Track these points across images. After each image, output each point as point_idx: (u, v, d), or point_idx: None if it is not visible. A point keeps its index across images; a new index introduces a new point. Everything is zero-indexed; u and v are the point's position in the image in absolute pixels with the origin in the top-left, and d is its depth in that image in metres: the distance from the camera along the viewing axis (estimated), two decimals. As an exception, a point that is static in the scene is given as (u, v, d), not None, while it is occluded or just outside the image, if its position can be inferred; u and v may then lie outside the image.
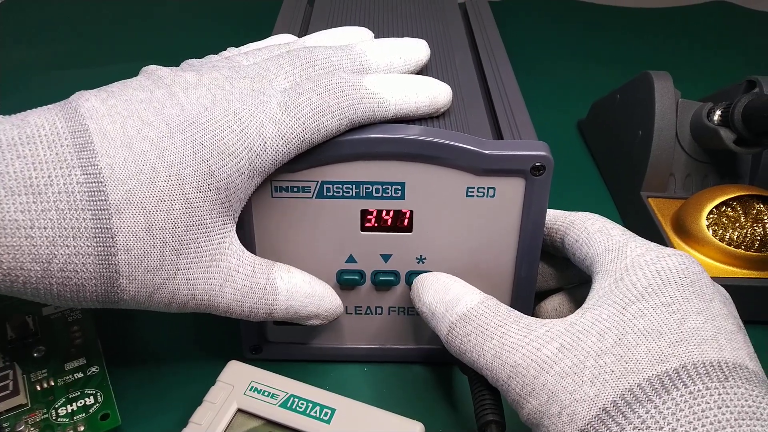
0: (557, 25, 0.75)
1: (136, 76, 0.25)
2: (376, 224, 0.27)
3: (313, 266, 0.28)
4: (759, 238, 0.34)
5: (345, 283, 0.29)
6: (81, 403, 0.28)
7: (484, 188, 0.26)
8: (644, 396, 0.20)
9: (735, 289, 0.33)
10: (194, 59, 0.27)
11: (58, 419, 0.27)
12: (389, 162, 0.26)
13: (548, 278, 0.31)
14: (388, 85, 0.26)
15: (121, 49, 0.65)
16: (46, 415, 0.27)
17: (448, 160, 0.25)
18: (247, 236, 0.27)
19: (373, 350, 0.32)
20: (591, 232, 0.27)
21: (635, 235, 0.26)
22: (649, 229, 0.38)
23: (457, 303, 0.25)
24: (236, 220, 0.25)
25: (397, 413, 0.26)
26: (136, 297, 0.23)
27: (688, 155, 0.40)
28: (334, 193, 0.27)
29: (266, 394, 0.26)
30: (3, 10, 0.71)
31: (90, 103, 0.22)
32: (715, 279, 0.33)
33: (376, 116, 0.25)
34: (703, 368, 0.20)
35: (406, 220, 0.27)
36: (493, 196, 0.26)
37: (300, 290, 0.27)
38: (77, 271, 0.21)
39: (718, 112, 0.38)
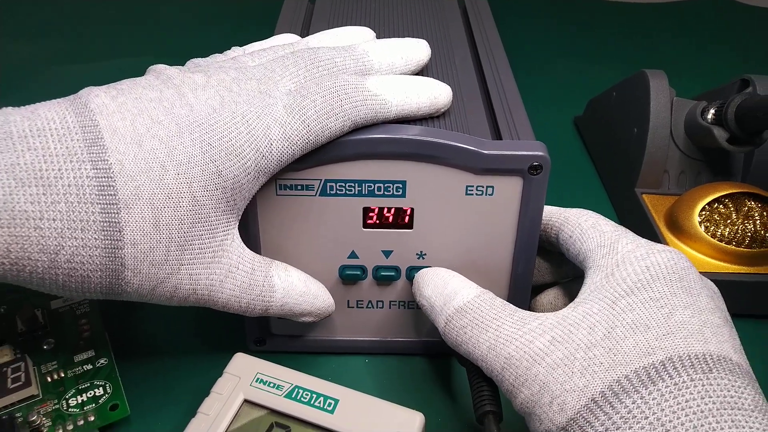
0: (556, 22, 0.75)
1: (138, 72, 0.25)
2: (377, 221, 0.28)
3: (316, 262, 0.29)
4: (749, 234, 0.35)
5: (347, 278, 0.30)
6: (91, 393, 0.28)
7: (482, 187, 0.27)
8: (631, 387, 0.20)
9: (726, 284, 0.34)
10: (200, 59, 0.28)
11: (69, 409, 0.28)
12: (391, 161, 0.26)
13: (544, 273, 0.32)
14: (391, 87, 0.26)
15: (121, 46, 0.65)
16: (57, 406, 0.28)
17: (448, 160, 0.26)
18: (252, 233, 0.28)
19: (374, 342, 0.32)
20: (584, 228, 0.27)
21: (628, 231, 0.27)
22: (642, 225, 0.39)
23: (454, 296, 0.26)
24: (239, 218, 0.26)
25: (398, 404, 0.27)
26: (140, 290, 0.23)
27: (682, 153, 0.41)
28: (337, 191, 0.27)
29: (272, 385, 0.27)
30: (3, 7, 0.71)
31: (100, 99, 0.22)
32: (706, 274, 0.34)
33: (379, 117, 0.26)
34: (689, 360, 0.21)
35: (406, 218, 0.28)
36: (491, 194, 0.27)
37: (296, 288, 0.28)
38: (84, 262, 0.21)
39: (712, 111, 0.38)
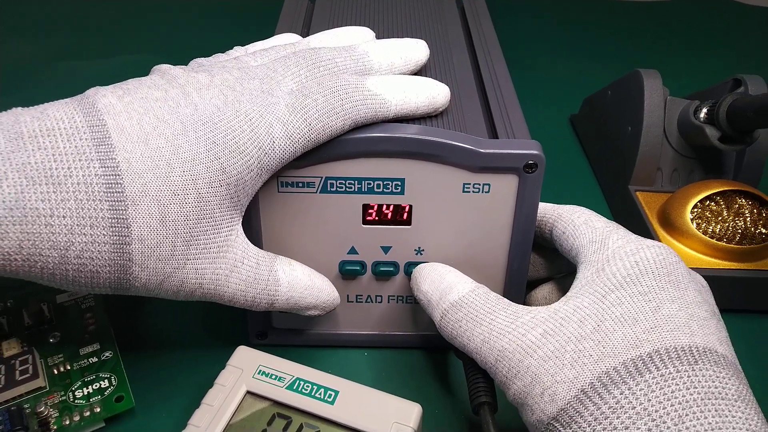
0: (554, 21, 0.76)
1: (139, 68, 0.26)
2: (376, 218, 0.29)
3: (316, 257, 0.30)
4: (740, 231, 0.36)
5: (347, 273, 0.30)
6: (96, 386, 0.29)
7: (479, 184, 0.27)
8: (619, 378, 0.21)
9: (716, 280, 0.35)
10: (202, 58, 0.28)
11: (76, 401, 0.28)
12: (390, 159, 0.27)
13: (539, 268, 0.32)
14: (390, 87, 0.27)
15: (123, 43, 0.65)
16: (64, 397, 0.28)
17: (445, 158, 0.27)
18: (254, 229, 0.29)
19: (373, 336, 0.33)
20: (577, 224, 0.28)
21: (619, 227, 0.27)
22: (636, 222, 0.39)
23: (450, 291, 0.27)
24: (243, 214, 0.26)
25: (397, 395, 0.27)
26: (147, 284, 0.24)
27: (675, 151, 0.42)
28: (338, 189, 0.28)
29: (273, 377, 0.27)
30: (5, 4, 0.71)
31: (107, 99, 0.23)
32: (697, 270, 0.34)
33: (379, 116, 0.26)
34: (675, 352, 0.21)
35: (405, 214, 0.28)
36: (488, 191, 0.28)
37: (300, 282, 0.28)
38: (93, 258, 0.22)
39: (704, 110, 0.39)
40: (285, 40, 0.31)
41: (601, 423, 0.21)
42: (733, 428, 0.19)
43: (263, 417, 0.26)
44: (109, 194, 0.22)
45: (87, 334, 0.31)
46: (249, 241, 0.27)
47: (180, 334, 0.34)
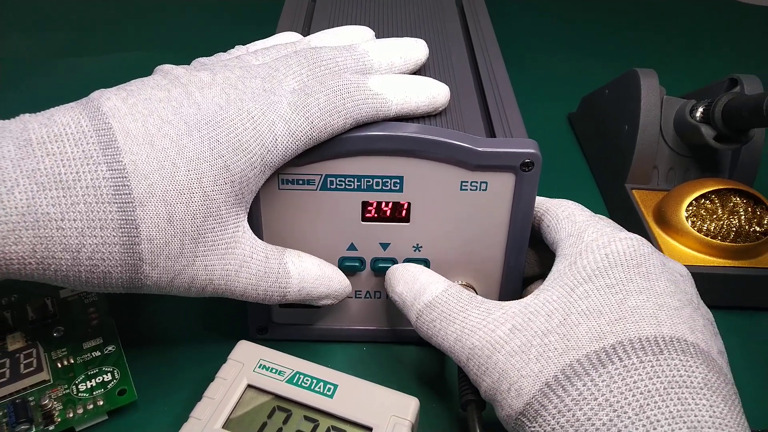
0: (553, 19, 0.76)
1: (139, 66, 0.26)
2: (375, 215, 0.29)
3: (316, 253, 0.30)
4: (734, 229, 0.36)
5: (346, 269, 0.31)
6: (99, 379, 0.29)
7: (477, 182, 0.28)
8: (582, 370, 0.21)
9: (711, 277, 0.35)
10: (204, 58, 0.28)
11: (79, 394, 0.29)
12: (389, 157, 0.27)
13: (534, 265, 0.33)
14: (391, 86, 0.27)
15: (123, 40, 0.65)
16: (68, 390, 0.29)
17: (443, 156, 0.27)
18: (255, 226, 0.29)
19: (371, 331, 0.33)
20: (560, 218, 0.28)
21: (601, 221, 0.27)
22: (631, 220, 0.40)
23: (423, 292, 0.27)
24: (248, 210, 0.27)
25: (394, 389, 0.28)
26: (158, 282, 0.24)
27: (671, 149, 0.42)
28: (337, 186, 0.28)
29: (274, 371, 0.28)
30: (5, 0, 0.72)
31: (111, 102, 0.23)
32: (692, 267, 0.35)
33: (380, 115, 0.27)
34: (639, 343, 0.21)
35: (404, 211, 0.29)
36: (485, 189, 0.28)
37: (311, 273, 0.29)
38: (104, 259, 0.23)
39: (700, 110, 0.39)
40: (286, 38, 0.32)
41: (564, 415, 0.21)
42: (695, 416, 0.19)
43: (264, 410, 0.27)
44: (117, 196, 0.22)
45: (90, 328, 0.32)
46: (256, 237, 0.27)
47: (182, 329, 0.34)
